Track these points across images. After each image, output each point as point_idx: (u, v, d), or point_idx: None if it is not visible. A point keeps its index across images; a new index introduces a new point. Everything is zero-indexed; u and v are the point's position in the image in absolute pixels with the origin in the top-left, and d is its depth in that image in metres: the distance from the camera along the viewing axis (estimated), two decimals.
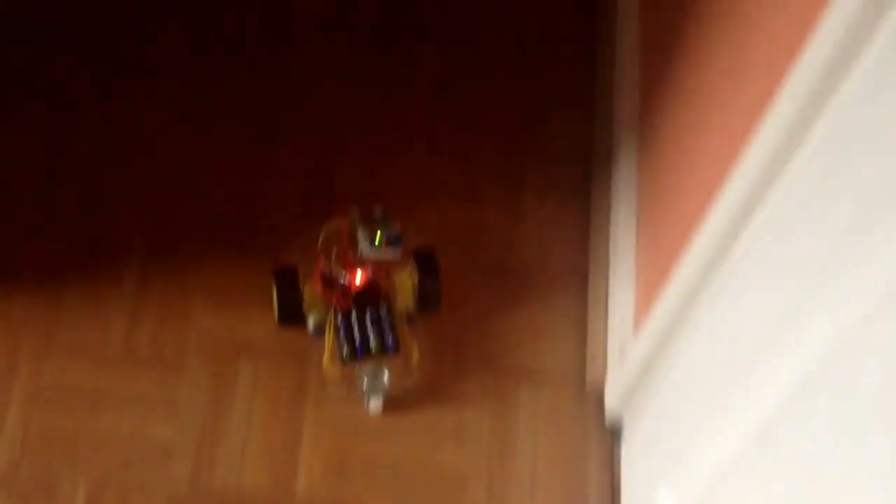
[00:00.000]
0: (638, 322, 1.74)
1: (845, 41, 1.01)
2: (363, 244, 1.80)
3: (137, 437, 1.77)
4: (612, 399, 1.80)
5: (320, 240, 1.79)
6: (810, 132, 1.10)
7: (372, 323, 1.78)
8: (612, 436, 1.82)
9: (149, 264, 1.90)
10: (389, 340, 1.77)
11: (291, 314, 1.80)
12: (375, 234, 1.81)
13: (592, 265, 1.95)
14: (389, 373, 1.79)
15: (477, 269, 1.94)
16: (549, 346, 1.89)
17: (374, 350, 1.76)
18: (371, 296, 1.79)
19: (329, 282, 1.78)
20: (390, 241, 1.81)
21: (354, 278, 1.78)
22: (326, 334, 1.78)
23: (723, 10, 1.51)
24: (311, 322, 1.80)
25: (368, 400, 1.79)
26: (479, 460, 1.79)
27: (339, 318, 1.78)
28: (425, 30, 2.17)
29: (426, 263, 1.84)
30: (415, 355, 1.80)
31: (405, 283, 1.83)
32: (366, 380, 1.78)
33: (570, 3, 2.23)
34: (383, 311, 1.79)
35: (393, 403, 1.81)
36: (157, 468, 1.75)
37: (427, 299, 1.84)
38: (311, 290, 1.80)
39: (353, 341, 1.77)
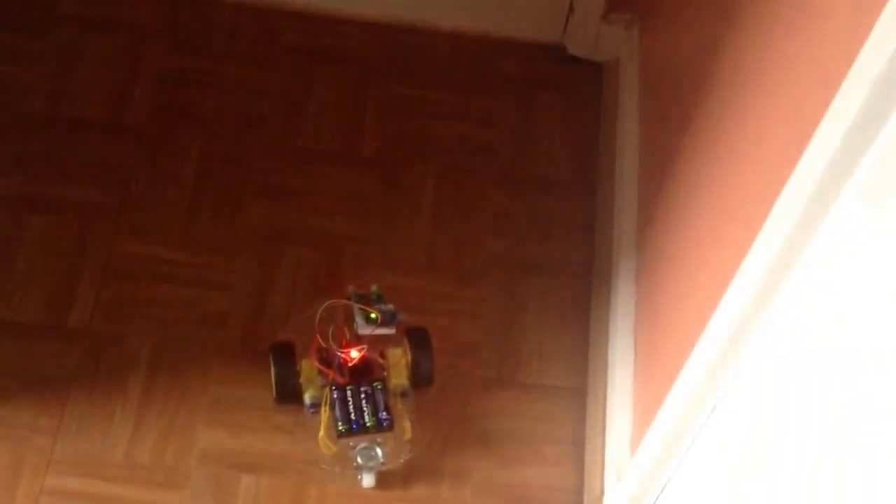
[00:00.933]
0: (634, 445, 1.72)
1: (829, 171, 1.05)
2: (359, 320, 1.85)
3: None
4: None
5: (317, 317, 1.83)
6: (800, 256, 1.14)
7: (366, 399, 1.82)
8: None
9: (153, 374, 1.91)
10: (383, 416, 1.81)
11: (288, 390, 1.84)
12: (371, 311, 1.87)
13: (591, 384, 1.96)
14: (383, 448, 1.82)
15: (475, 384, 1.97)
16: (546, 466, 1.90)
17: (369, 425, 1.80)
18: (366, 372, 1.84)
19: (326, 358, 1.82)
20: (385, 317, 1.86)
21: (350, 354, 1.82)
22: (322, 410, 1.82)
23: (712, 142, 1.57)
24: (307, 398, 1.84)
25: (362, 476, 1.83)
26: None
27: (335, 393, 1.81)
28: (425, 162, 2.21)
29: (419, 341, 1.88)
30: (408, 432, 1.84)
31: (399, 361, 1.87)
32: (359, 456, 1.82)
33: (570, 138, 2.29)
34: (378, 387, 1.83)
35: (386, 479, 1.84)
36: None
37: (420, 376, 1.88)
38: (307, 367, 1.84)
39: (349, 417, 1.80)
